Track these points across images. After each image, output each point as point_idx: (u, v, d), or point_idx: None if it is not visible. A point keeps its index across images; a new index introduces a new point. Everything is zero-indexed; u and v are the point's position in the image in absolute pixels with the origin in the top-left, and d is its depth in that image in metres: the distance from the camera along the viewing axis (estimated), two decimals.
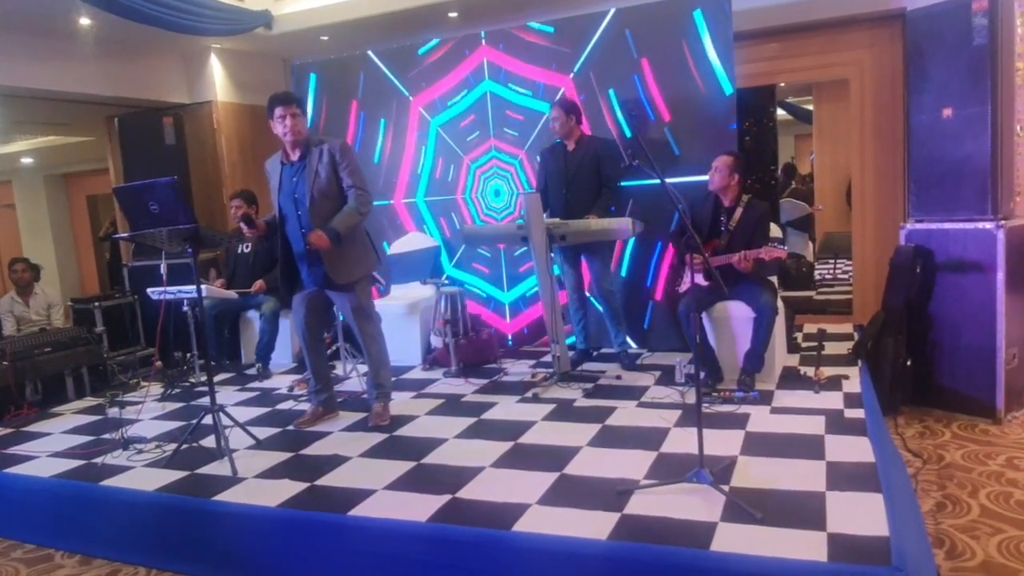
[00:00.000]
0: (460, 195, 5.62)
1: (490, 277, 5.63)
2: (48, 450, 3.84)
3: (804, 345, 4.93)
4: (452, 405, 4.21)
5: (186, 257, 3.57)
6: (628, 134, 4.94)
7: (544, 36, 5.20)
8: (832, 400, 3.80)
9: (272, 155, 3.90)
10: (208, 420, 3.52)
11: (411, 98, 5.61)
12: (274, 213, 3.84)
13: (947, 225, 4.20)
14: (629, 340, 4.90)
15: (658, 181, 2.97)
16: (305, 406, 4.21)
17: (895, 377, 4.20)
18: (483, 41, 5.34)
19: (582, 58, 5.08)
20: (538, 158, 4.93)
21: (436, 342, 5.16)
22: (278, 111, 3.64)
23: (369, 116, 5.81)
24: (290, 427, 3.95)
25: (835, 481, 2.78)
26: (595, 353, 5.06)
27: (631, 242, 5.04)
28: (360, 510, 2.82)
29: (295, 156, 3.74)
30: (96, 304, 6.00)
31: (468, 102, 5.47)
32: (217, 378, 5.05)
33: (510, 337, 5.59)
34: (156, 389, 4.92)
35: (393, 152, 5.78)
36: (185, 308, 4.84)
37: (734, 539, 2.38)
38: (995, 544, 2.76)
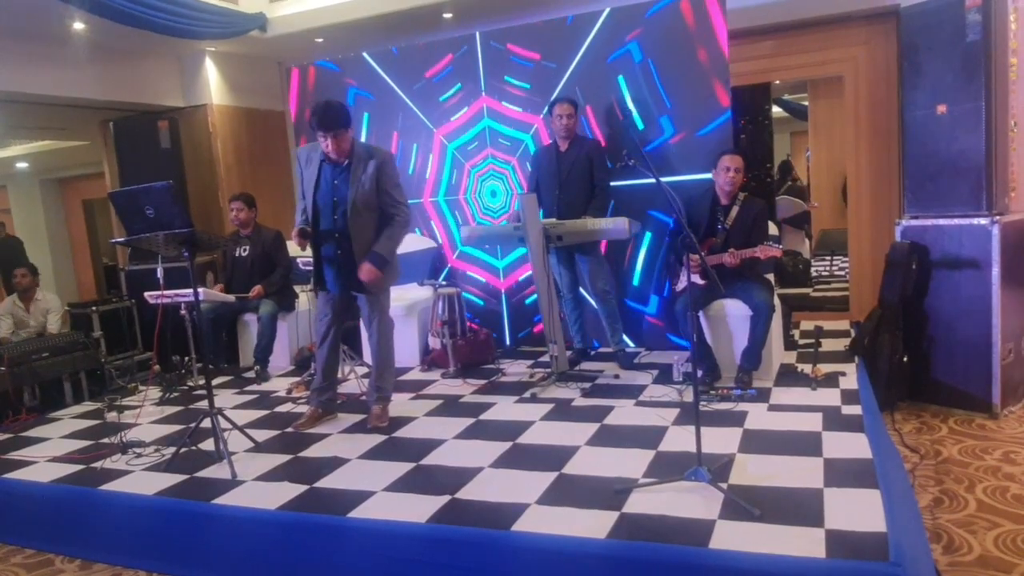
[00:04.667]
0: (462, 195, 5.65)
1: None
2: (47, 455, 3.83)
3: (801, 342, 4.94)
4: (450, 406, 4.22)
5: (183, 261, 3.56)
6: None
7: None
8: (829, 397, 3.81)
9: (311, 143, 3.79)
10: (207, 423, 3.51)
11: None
12: (305, 212, 3.82)
13: (942, 221, 4.21)
14: (626, 339, 4.91)
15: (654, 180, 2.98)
16: (304, 408, 4.21)
17: (892, 373, 4.21)
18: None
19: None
20: (529, 166, 4.94)
21: (434, 343, 5.16)
22: (317, 133, 3.62)
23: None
24: (289, 429, 3.95)
25: (833, 477, 2.79)
26: (592, 352, 5.07)
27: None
28: (359, 512, 2.82)
29: (340, 159, 3.71)
30: (93, 308, 6.01)
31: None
32: (215, 381, 5.07)
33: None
34: (154, 393, 4.91)
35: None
36: (183, 311, 4.84)
37: (732, 536, 2.39)
38: (992, 538, 2.77)
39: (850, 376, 4.12)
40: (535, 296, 5.03)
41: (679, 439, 3.35)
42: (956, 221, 4.13)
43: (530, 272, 4.84)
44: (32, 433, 4.32)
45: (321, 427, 3.95)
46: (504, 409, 4.06)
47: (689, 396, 3.72)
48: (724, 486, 2.73)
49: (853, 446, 3.09)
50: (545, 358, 4.80)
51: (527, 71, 5.24)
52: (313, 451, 3.58)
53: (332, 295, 3.89)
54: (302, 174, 3.85)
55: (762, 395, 3.90)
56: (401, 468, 3.25)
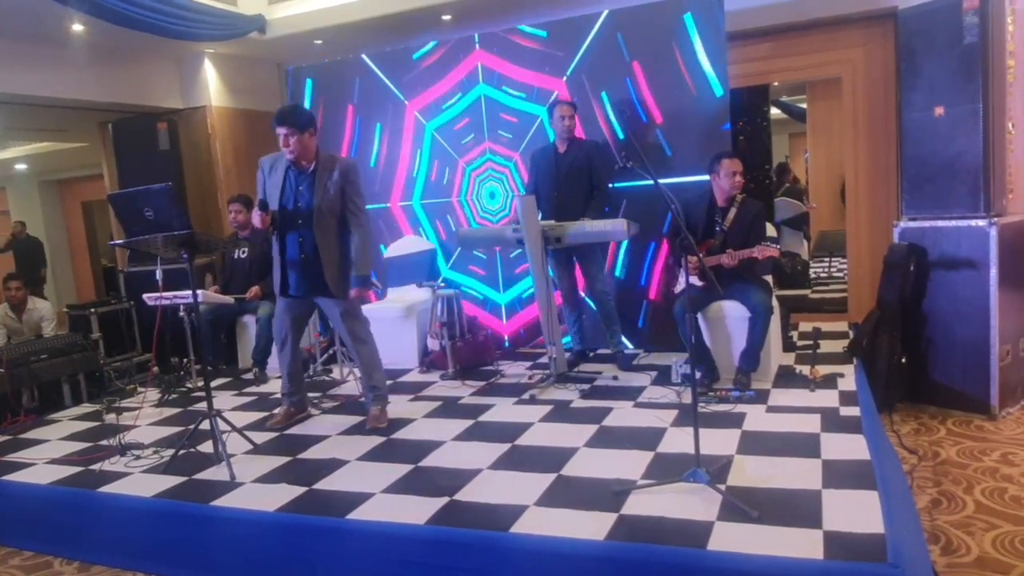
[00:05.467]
0: (455, 198, 5.61)
1: (486, 279, 5.59)
2: (46, 457, 3.83)
3: (800, 344, 4.94)
4: (449, 407, 4.22)
5: (182, 263, 3.57)
6: (620, 136, 4.94)
7: (537, 40, 5.00)
8: (828, 398, 3.81)
9: (273, 153, 3.83)
10: (205, 425, 3.51)
11: (406, 102, 5.45)
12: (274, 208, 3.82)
13: (940, 223, 4.21)
14: (625, 340, 4.91)
15: (652, 182, 2.98)
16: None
17: (890, 374, 4.22)
18: (477, 45, 5.17)
19: (575, 61, 4.90)
20: (529, 160, 4.93)
21: (433, 345, 5.16)
22: (276, 129, 3.64)
23: (365, 120, 5.71)
24: (287, 431, 3.95)
25: (831, 479, 2.79)
26: (591, 354, 5.07)
27: (624, 243, 5.03)
28: (358, 513, 2.83)
29: (304, 165, 3.74)
30: (92, 310, 6.00)
31: (463, 105, 5.35)
32: (214, 383, 5.07)
33: (507, 338, 5.57)
34: (153, 395, 4.91)
35: (389, 155, 5.67)
36: (181, 313, 4.84)
37: (731, 538, 2.39)
38: (990, 540, 2.78)
39: (848, 377, 4.12)
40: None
41: (677, 440, 3.35)
42: (954, 223, 4.14)
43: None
44: (31, 435, 4.31)
45: (320, 428, 3.95)
46: (503, 410, 4.06)
47: (688, 398, 3.72)
48: (722, 487, 2.74)
49: (851, 447, 3.09)
50: (544, 359, 4.81)
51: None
52: (312, 453, 3.58)
53: (292, 300, 3.91)
54: (264, 182, 3.86)
55: (760, 396, 3.90)
56: (400, 470, 3.25)
